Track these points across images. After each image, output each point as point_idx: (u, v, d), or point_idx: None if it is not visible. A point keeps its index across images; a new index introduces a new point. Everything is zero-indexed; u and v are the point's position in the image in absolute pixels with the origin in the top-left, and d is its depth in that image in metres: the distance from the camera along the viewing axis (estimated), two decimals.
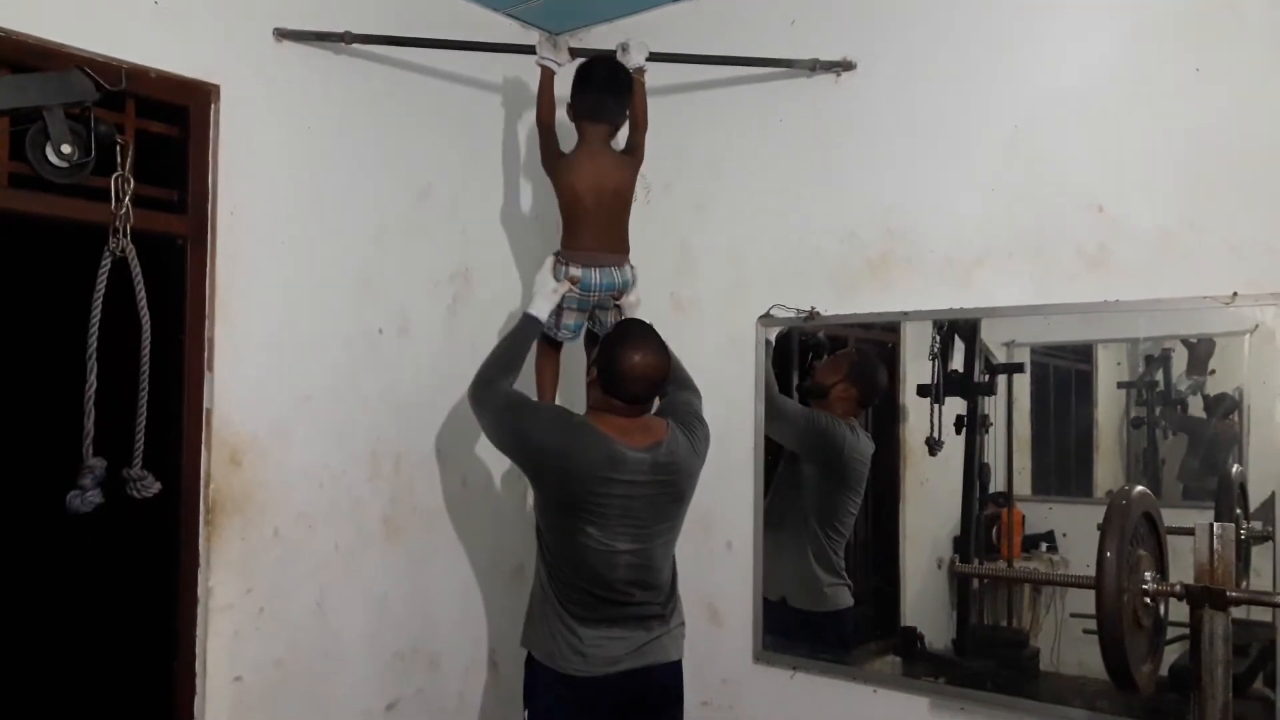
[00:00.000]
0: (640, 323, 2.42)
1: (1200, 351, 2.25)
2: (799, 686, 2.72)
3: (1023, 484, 2.54)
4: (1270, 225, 2.09)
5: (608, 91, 2.56)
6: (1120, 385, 2.39)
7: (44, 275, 1.91)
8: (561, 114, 2.62)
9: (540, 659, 2.35)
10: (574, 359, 2.81)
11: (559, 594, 2.32)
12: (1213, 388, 2.23)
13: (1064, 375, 2.49)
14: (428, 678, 2.83)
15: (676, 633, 2.43)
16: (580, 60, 2.63)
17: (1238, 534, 1.97)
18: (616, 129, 2.61)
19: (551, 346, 2.65)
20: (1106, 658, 1.63)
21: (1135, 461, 2.42)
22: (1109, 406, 2.40)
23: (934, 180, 2.52)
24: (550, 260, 2.53)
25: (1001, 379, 2.53)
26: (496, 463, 3.04)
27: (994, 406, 2.55)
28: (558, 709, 2.32)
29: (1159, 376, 2.32)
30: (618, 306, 2.59)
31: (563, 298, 2.49)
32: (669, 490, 2.33)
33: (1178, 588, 1.70)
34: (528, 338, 2.48)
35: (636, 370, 2.27)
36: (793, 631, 2.78)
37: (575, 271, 2.49)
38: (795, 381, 2.83)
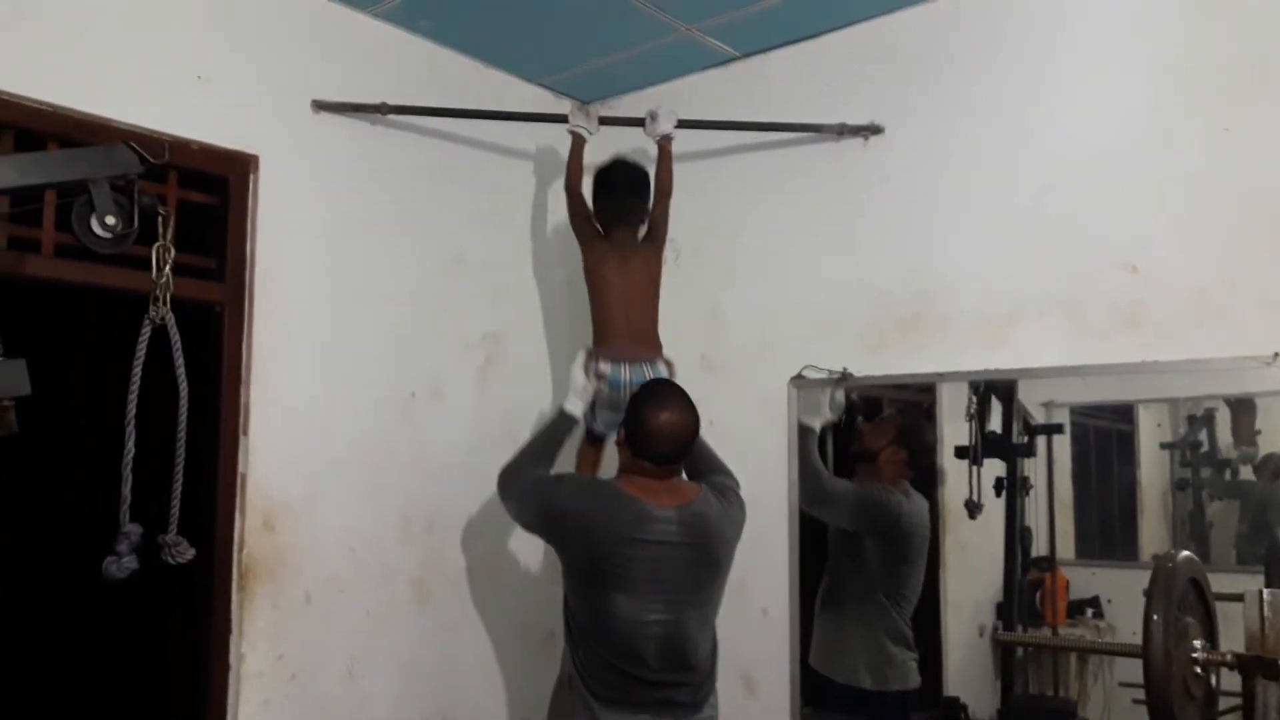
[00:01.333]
0: (667, 381, 2.41)
1: (1243, 414, 2.21)
2: None
3: (1066, 548, 2.49)
4: None
5: (629, 194, 2.63)
6: (1163, 446, 2.34)
7: (85, 342, 1.95)
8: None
9: None
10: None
11: (584, 673, 2.23)
12: (1262, 449, 2.18)
13: (1105, 436, 2.46)
14: None
15: None
16: (598, 166, 2.69)
17: None
18: (642, 224, 2.66)
19: (592, 441, 2.64)
20: None
21: (1181, 525, 2.37)
22: (1152, 468, 2.37)
23: (964, 240, 2.52)
24: (582, 355, 2.55)
25: (1041, 440, 2.49)
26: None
27: (1034, 468, 2.51)
28: None
29: (1203, 436, 2.27)
30: None
31: (596, 393, 2.50)
32: (700, 554, 2.26)
33: (1229, 657, 1.64)
34: (561, 432, 2.48)
35: (665, 429, 2.23)
36: (855, 710, 2.68)
37: (604, 368, 2.50)
38: (831, 448, 2.78)
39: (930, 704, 2.58)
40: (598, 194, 2.66)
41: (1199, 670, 1.66)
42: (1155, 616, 1.56)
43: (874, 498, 2.71)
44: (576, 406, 2.48)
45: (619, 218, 2.63)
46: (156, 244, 1.65)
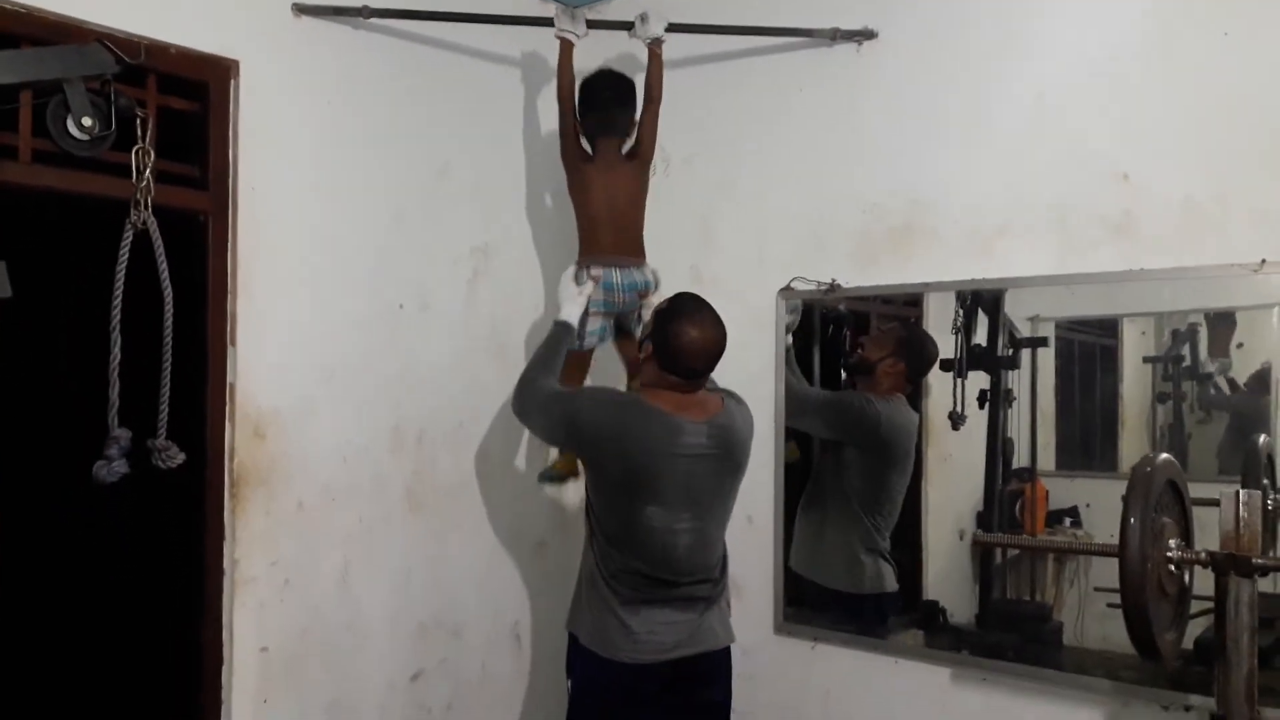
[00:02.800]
0: (693, 295, 2.37)
1: (1222, 330, 2.22)
2: (820, 657, 2.73)
3: (1046, 459, 2.52)
4: None
5: (614, 105, 2.61)
6: (1146, 360, 2.36)
7: (67, 250, 1.93)
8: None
9: (587, 643, 2.32)
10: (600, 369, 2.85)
11: (611, 577, 2.29)
12: (1241, 362, 2.20)
13: (1089, 350, 2.47)
14: (451, 649, 2.85)
15: (725, 615, 2.41)
16: (583, 77, 2.66)
17: (1264, 502, 1.97)
18: (628, 135, 2.64)
19: (576, 358, 2.64)
20: (1130, 625, 1.62)
21: (1161, 437, 2.39)
22: (1134, 381, 2.38)
23: (957, 149, 2.50)
24: (571, 268, 2.57)
25: (1025, 353, 2.51)
26: (518, 438, 3.05)
27: (1018, 381, 2.52)
28: (602, 690, 2.30)
29: (1185, 351, 2.29)
30: (641, 306, 2.62)
31: (588, 302, 2.51)
32: (727, 463, 2.32)
33: (1203, 555, 1.68)
34: (561, 343, 2.49)
35: (696, 344, 2.23)
36: (830, 609, 2.76)
37: (597, 271, 2.53)
38: (817, 359, 2.81)
39: (910, 608, 2.65)
40: (582, 104, 2.64)
41: (1173, 569, 1.70)
42: (1132, 516, 1.59)
43: (851, 405, 2.74)
44: (573, 314, 2.50)
45: (604, 128, 2.62)
46: (136, 147, 1.61)
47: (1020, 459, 2.53)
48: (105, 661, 2.07)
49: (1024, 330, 2.50)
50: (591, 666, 2.31)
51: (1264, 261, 2.07)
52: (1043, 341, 2.49)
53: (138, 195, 1.63)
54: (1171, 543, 1.70)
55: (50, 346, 1.83)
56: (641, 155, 2.65)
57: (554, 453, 2.92)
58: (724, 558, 2.41)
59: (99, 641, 2.06)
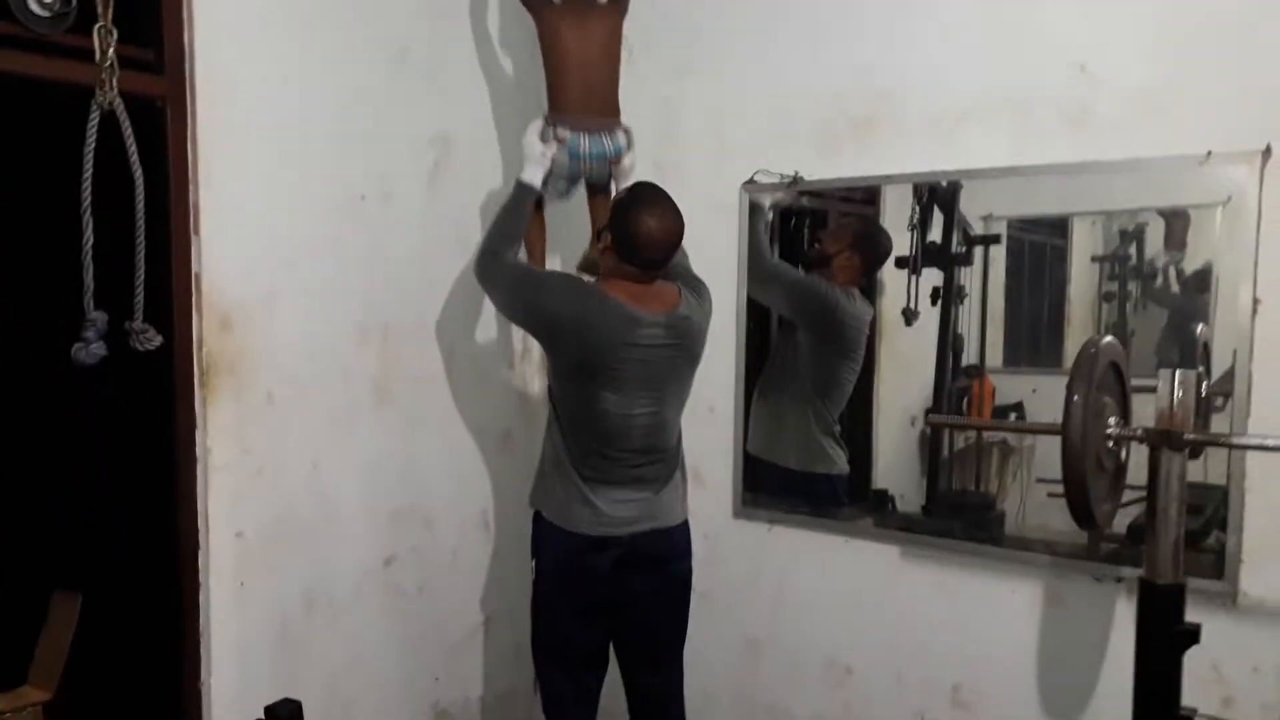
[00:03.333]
0: (652, 185, 2.39)
1: (1177, 226, 2.28)
2: (776, 539, 2.86)
3: (995, 356, 2.60)
4: (1246, 85, 2.11)
5: None
6: (1094, 259, 2.42)
7: (29, 136, 1.89)
8: None
9: (550, 519, 2.42)
10: (560, 219, 2.85)
11: (572, 458, 2.38)
12: (1187, 263, 2.26)
13: (1039, 249, 2.52)
14: (422, 535, 2.94)
15: (680, 491, 2.51)
16: None
17: (1198, 385, 2.08)
18: None
19: (537, 210, 2.64)
20: (1069, 494, 1.73)
21: (1106, 334, 2.45)
22: (1083, 281, 2.44)
23: (917, 38, 2.52)
24: (538, 123, 2.51)
25: (978, 251, 2.56)
26: (484, 331, 3.08)
27: (969, 278, 2.58)
28: (565, 563, 2.41)
29: (1132, 251, 2.35)
30: (613, 173, 2.59)
31: (552, 163, 2.48)
32: (683, 353, 2.39)
33: (1139, 431, 1.79)
34: (524, 205, 2.50)
35: (654, 235, 2.27)
36: (785, 490, 2.86)
37: (563, 133, 2.48)
38: (777, 251, 2.86)
39: (861, 496, 2.76)
40: None
41: (1111, 445, 1.81)
42: (1076, 394, 1.69)
43: (812, 286, 2.81)
44: (536, 176, 2.48)
45: None
46: (98, 25, 1.58)
47: (970, 356, 2.60)
48: (82, 541, 2.11)
49: (978, 229, 2.54)
50: (555, 540, 2.41)
51: (1210, 153, 2.14)
52: (995, 239, 2.53)
53: (102, 75, 1.60)
54: (1111, 420, 1.81)
55: (19, 233, 1.81)
56: (620, 6, 2.59)
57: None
58: (679, 439, 2.51)
59: (76, 521, 2.10)
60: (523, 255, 2.64)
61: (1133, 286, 2.37)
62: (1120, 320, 2.40)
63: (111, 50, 1.60)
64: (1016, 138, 2.39)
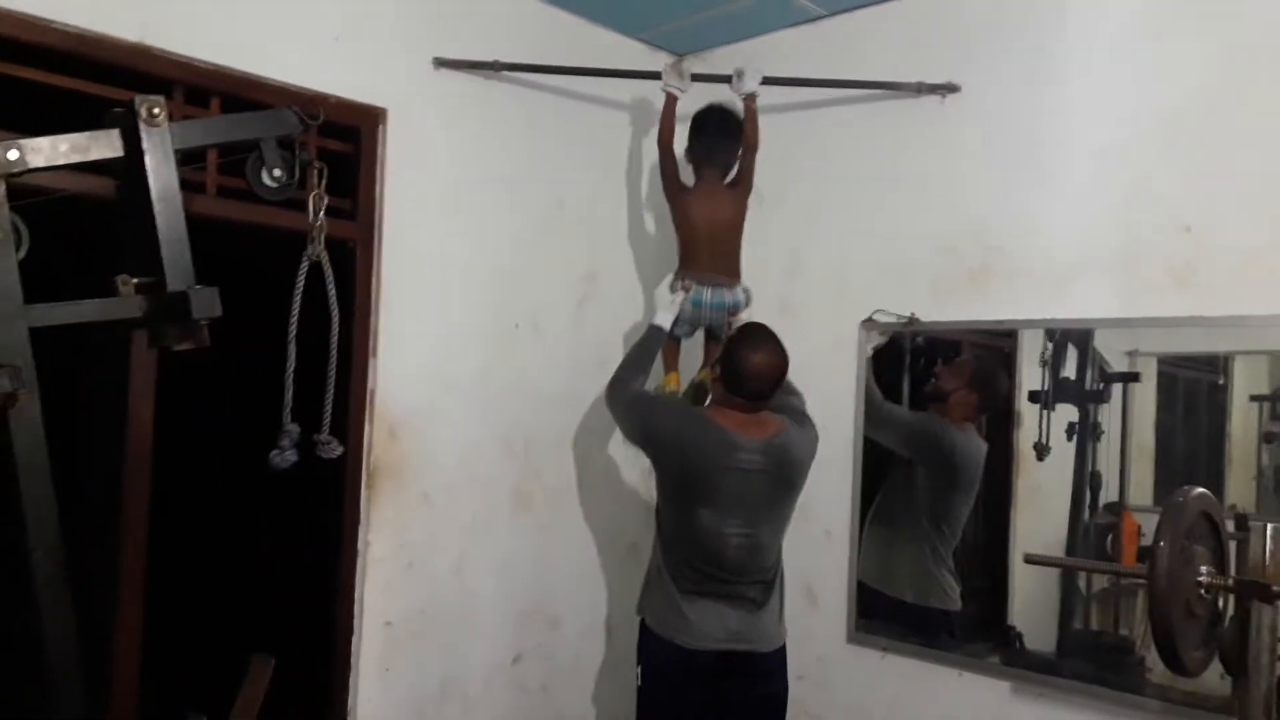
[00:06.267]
0: (760, 325, 2.62)
1: None
2: (889, 666, 2.92)
3: (1143, 494, 2.57)
4: None
5: (721, 135, 2.85)
6: (1253, 399, 2.41)
7: (241, 272, 2.29)
8: (680, 153, 2.91)
9: (651, 625, 2.60)
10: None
11: (671, 569, 2.56)
12: None
13: (1194, 385, 2.51)
14: (548, 636, 3.15)
15: (777, 615, 2.61)
16: (695, 110, 2.89)
17: None
18: (730, 168, 2.88)
19: (669, 346, 2.90)
20: (1156, 639, 1.79)
21: (1266, 476, 2.42)
22: (1243, 419, 2.41)
23: (1029, 196, 2.67)
24: (670, 277, 2.83)
25: (1116, 388, 2.57)
26: (617, 450, 3.33)
27: (1108, 415, 2.58)
28: (665, 670, 2.56)
29: None
30: (730, 324, 2.82)
31: (680, 310, 2.76)
32: (779, 479, 2.54)
33: (1230, 581, 1.84)
34: (653, 344, 2.76)
35: (758, 369, 2.48)
36: (898, 621, 2.91)
37: (689, 283, 2.78)
38: (907, 387, 2.96)
39: (993, 633, 2.74)
40: (692, 133, 2.89)
41: (1203, 592, 1.86)
42: (1162, 540, 1.77)
43: (927, 427, 2.91)
44: (665, 320, 2.76)
45: (709, 157, 2.86)
46: (313, 192, 1.96)
47: (1110, 493, 2.59)
48: (255, 624, 2.42)
49: (1121, 364, 2.56)
50: (655, 647, 2.57)
51: None
52: (1134, 376, 2.54)
53: (313, 233, 1.97)
54: (1203, 568, 1.86)
55: (233, 355, 2.20)
56: (742, 186, 2.89)
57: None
58: (778, 565, 2.61)
59: (251, 607, 2.41)
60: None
61: None
62: None
63: (322, 212, 1.97)
64: (1124, 292, 2.50)
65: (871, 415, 2.99)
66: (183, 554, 2.66)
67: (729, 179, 2.89)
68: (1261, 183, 2.31)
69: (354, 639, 2.69)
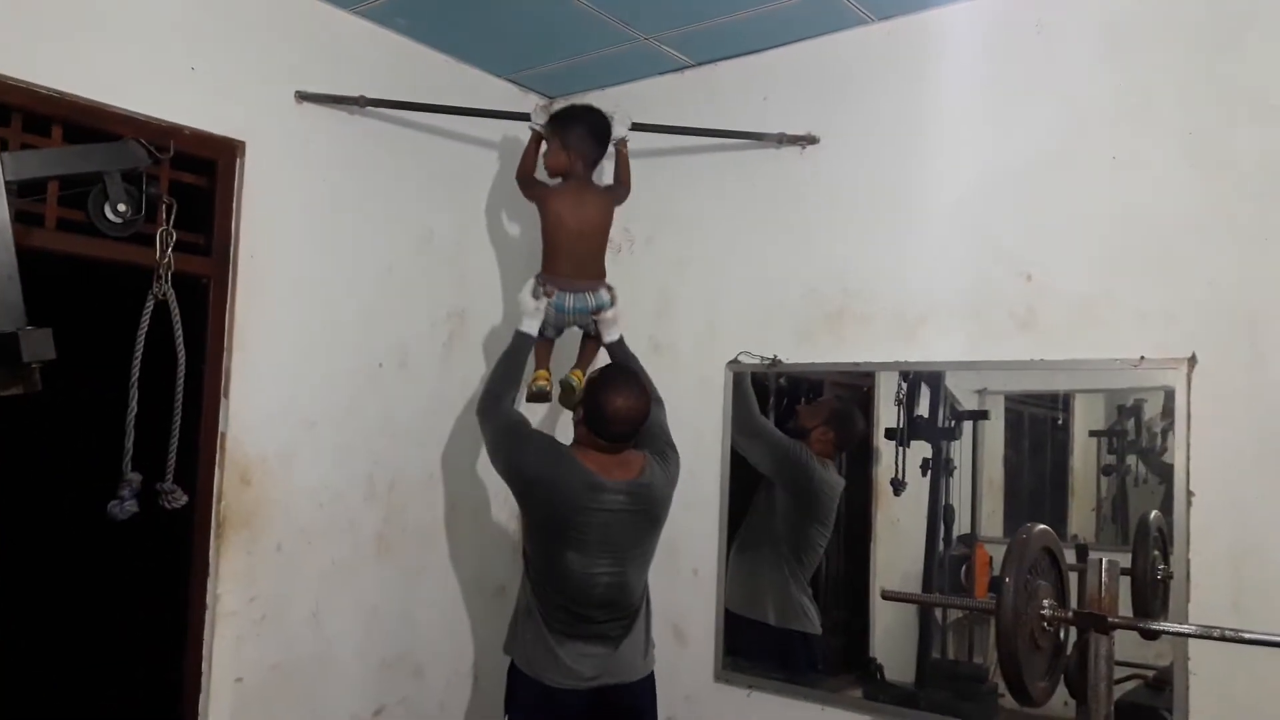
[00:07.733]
0: (623, 368, 2.66)
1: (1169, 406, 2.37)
2: (754, 704, 2.94)
3: (994, 526, 2.67)
4: (1173, 297, 2.35)
5: (587, 122, 2.83)
6: (1092, 434, 2.54)
7: (79, 310, 2.16)
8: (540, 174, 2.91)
9: (521, 667, 2.57)
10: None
11: (543, 610, 2.54)
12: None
13: (1039, 422, 2.63)
14: (413, 686, 3.05)
15: (641, 646, 2.63)
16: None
17: (1150, 569, 2.23)
18: (597, 163, 2.88)
19: (540, 345, 2.85)
20: (1003, 670, 1.86)
21: (1104, 505, 2.55)
22: (1083, 454, 2.54)
23: (885, 244, 2.79)
24: (531, 282, 2.78)
25: (967, 425, 2.69)
26: (484, 489, 3.28)
27: (960, 451, 2.70)
28: (533, 709, 2.54)
29: (1130, 425, 2.48)
30: (598, 321, 2.82)
31: (545, 315, 2.75)
32: (644, 518, 2.57)
33: (1070, 614, 1.93)
34: (522, 352, 2.74)
35: (619, 413, 2.51)
36: (763, 649, 2.94)
37: (551, 290, 2.74)
38: (771, 424, 3.01)
39: (854, 665, 2.81)
40: (561, 123, 2.83)
41: (1046, 625, 1.95)
42: (1008, 576, 1.85)
43: (797, 452, 2.97)
44: (531, 327, 2.74)
45: (579, 144, 2.80)
46: (160, 229, 1.86)
47: (962, 525, 2.69)
48: (94, 681, 2.26)
49: (972, 403, 2.68)
50: (524, 689, 2.55)
51: (1142, 358, 2.36)
52: (984, 414, 2.67)
53: (159, 270, 1.87)
54: (1045, 602, 1.95)
55: (68, 398, 2.05)
56: (616, 193, 2.90)
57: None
58: (645, 598, 2.65)
59: (90, 662, 2.24)
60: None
61: (1131, 460, 2.48)
62: (1120, 493, 2.49)
63: (170, 249, 1.87)
64: (973, 335, 2.62)
65: (744, 425, 3.03)
66: (12, 613, 2.45)
67: (598, 180, 2.88)
68: (1093, 237, 2.47)
69: (201, 698, 2.54)
